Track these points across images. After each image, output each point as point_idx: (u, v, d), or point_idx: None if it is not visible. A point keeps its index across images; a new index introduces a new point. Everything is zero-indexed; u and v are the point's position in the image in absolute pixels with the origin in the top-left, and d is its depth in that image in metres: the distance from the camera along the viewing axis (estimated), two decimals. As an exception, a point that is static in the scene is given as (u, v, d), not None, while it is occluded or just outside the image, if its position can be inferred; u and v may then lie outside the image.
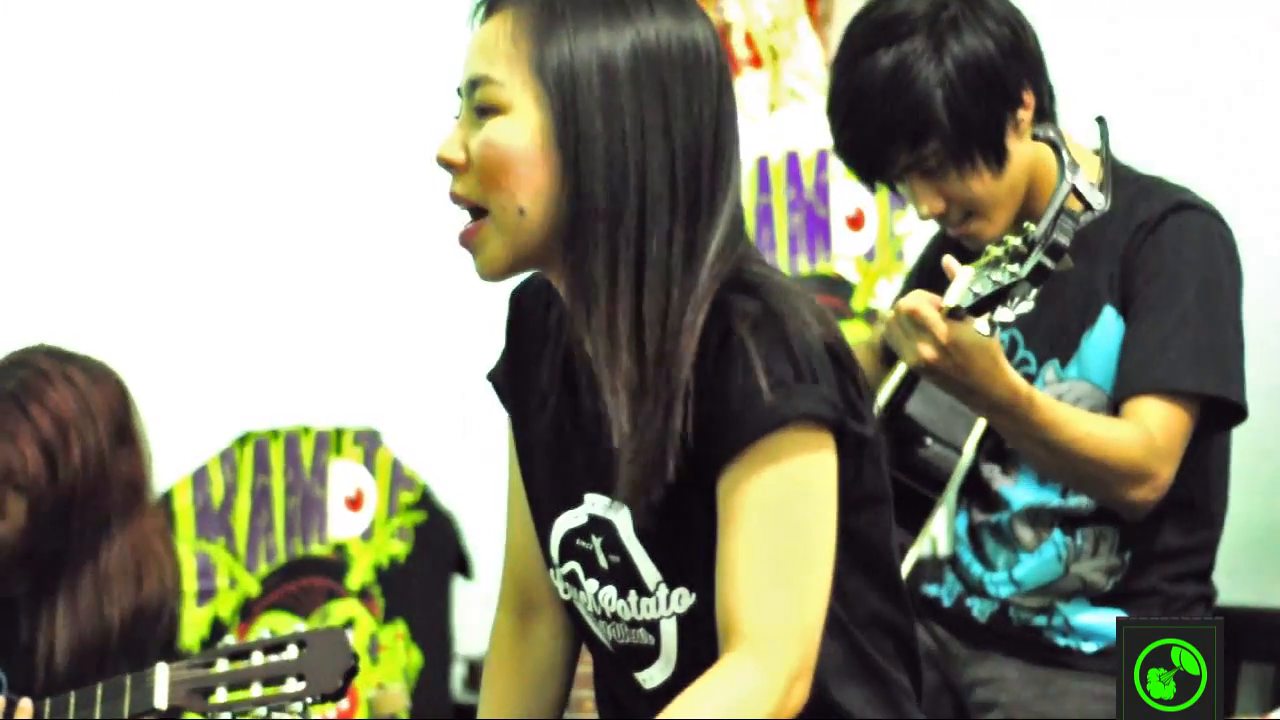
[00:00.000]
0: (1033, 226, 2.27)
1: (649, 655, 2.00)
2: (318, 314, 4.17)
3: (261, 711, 2.59)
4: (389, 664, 3.96)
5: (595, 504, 2.00)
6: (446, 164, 1.93)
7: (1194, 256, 2.70)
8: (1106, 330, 2.72)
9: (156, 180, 3.99)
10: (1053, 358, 2.75)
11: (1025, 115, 2.69)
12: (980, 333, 2.36)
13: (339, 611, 4.04)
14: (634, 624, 1.99)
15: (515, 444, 2.13)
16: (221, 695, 2.60)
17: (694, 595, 1.94)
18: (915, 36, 2.65)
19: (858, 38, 2.72)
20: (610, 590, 1.99)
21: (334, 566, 4.00)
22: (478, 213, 1.93)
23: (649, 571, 1.96)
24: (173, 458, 3.88)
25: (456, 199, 1.94)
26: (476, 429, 4.39)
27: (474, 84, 1.92)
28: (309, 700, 2.59)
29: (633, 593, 1.98)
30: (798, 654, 1.86)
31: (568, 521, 2.03)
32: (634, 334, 1.89)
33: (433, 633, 4.05)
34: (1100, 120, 2.31)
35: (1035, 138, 2.39)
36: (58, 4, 3.94)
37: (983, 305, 2.33)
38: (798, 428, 1.87)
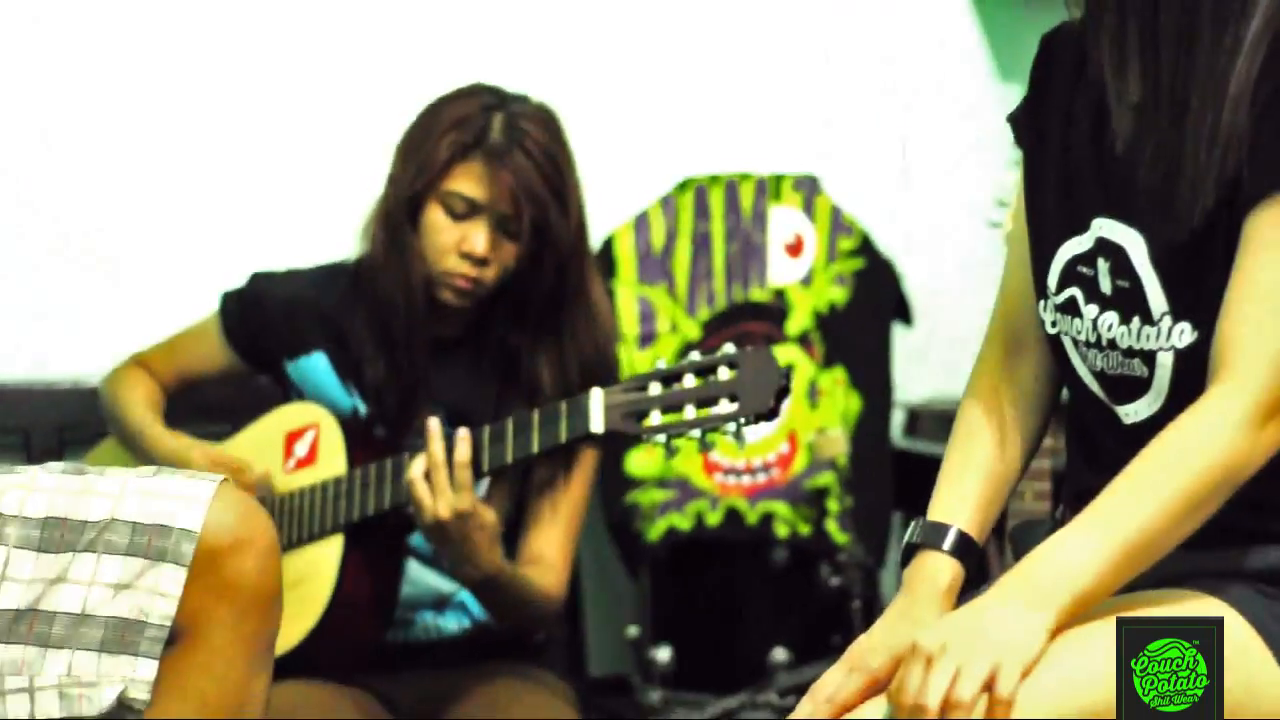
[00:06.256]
0: None
1: (1139, 387, 2.00)
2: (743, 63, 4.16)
3: (695, 432, 2.61)
4: (828, 409, 3.97)
5: (1103, 228, 2.00)
6: None
7: None
8: None
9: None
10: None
11: None
12: None
13: (779, 356, 4.05)
14: (1130, 353, 1.99)
15: (1026, 183, 2.14)
16: (655, 418, 2.61)
17: (1196, 333, 1.93)
18: None
19: None
20: (1111, 316, 2.00)
21: (773, 312, 4.00)
22: None
23: (1157, 300, 1.96)
24: (614, 203, 3.93)
25: None
26: (917, 177, 4.35)
27: None
28: (742, 420, 2.59)
29: (1136, 319, 1.98)
30: (1277, 382, 1.83)
31: (1072, 248, 2.04)
32: (1147, 46, 1.91)
33: (872, 378, 4.03)
34: None
35: None
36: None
37: None
38: None
